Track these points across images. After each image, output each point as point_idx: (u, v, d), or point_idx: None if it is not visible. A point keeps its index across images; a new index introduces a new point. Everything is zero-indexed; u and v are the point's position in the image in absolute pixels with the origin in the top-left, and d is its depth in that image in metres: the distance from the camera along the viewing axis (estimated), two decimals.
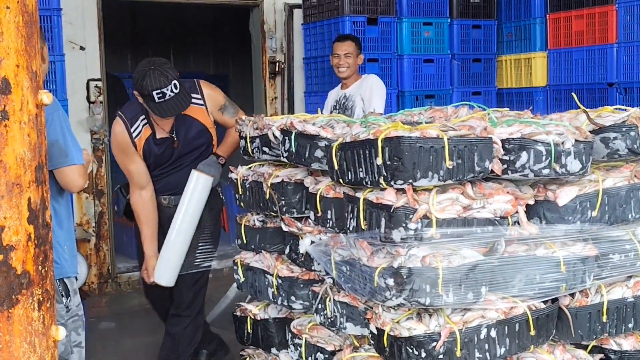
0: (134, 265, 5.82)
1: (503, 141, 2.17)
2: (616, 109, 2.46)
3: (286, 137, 2.59)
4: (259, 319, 2.79)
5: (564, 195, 2.21)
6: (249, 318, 2.83)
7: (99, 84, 5.32)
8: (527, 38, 5.78)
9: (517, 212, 2.19)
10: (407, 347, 2.04)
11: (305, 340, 2.52)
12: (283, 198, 2.62)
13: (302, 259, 2.57)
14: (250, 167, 2.88)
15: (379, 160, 2.08)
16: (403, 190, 2.08)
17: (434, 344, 2.02)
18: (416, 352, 2.03)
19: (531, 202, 2.23)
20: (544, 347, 2.27)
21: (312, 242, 2.48)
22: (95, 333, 4.41)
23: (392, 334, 2.08)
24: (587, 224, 2.25)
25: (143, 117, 3.19)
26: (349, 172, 2.23)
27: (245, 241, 2.86)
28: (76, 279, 2.70)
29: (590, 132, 2.29)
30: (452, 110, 2.74)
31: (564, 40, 5.51)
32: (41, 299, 1.27)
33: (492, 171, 2.16)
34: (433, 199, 2.06)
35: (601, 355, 2.35)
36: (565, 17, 5.47)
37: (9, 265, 1.22)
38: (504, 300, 2.12)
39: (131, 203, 3.27)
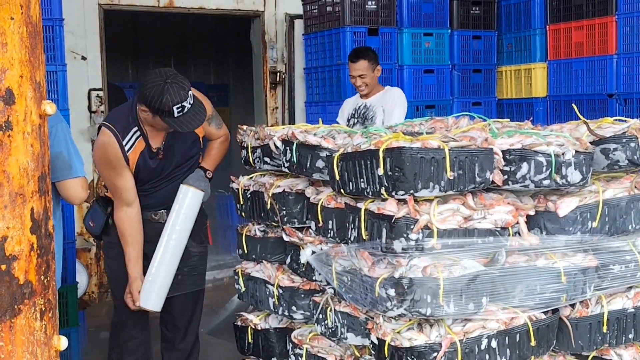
0: None
1: (504, 152, 2.18)
2: (616, 120, 2.47)
3: (287, 148, 2.60)
4: (259, 329, 2.79)
5: (565, 206, 2.22)
6: (249, 328, 2.82)
7: (100, 93, 5.34)
8: (527, 49, 5.80)
9: (517, 222, 2.19)
10: (408, 358, 2.04)
11: (306, 351, 2.51)
12: (284, 208, 2.63)
13: (303, 269, 2.57)
14: (251, 177, 2.88)
15: (381, 171, 2.09)
16: (404, 201, 2.08)
17: (435, 354, 2.02)
18: None
19: (532, 212, 2.24)
20: (545, 357, 2.27)
21: (313, 252, 2.48)
22: (94, 343, 4.40)
23: (393, 344, 2.08)
24: (588, 234, 2.26)
25: (135, 128, 2.91)
26: (350, 183, 2.24)
27: (246, 251, 2.86)
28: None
29: (590, 143, 2.30)
30: (452, 121, 2.75)
31: (564, 51, 5.53)
32: (43, 308, 1.27)
33: (493, 182, 2.16)
34: (434, 209, 2.06)
35: None
36: (565, 28, 5.49)
37: (12, 275, 1.22)
38: (505, 311, 2.12)
39: (116, 221, 2.96)
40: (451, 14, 5.74)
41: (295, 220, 2.62)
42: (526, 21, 5.80)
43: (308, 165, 2.49)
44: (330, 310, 2.38)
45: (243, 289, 2.86)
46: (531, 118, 3.61)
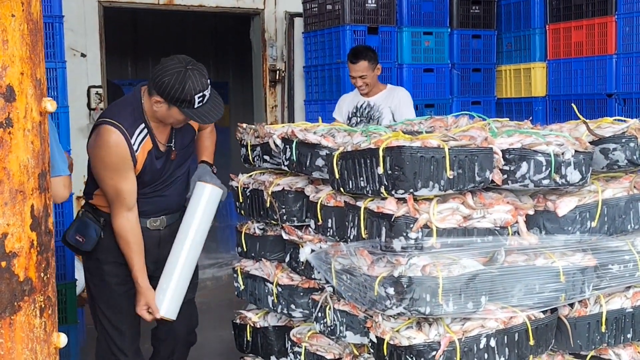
0: None
1: (503, 151, 2.18)
2: (615, 120, 2.48)
3: (287, 146, 2.60)
4: (258, 326, 2.79)
5: (564, 206, 2.22)
6: (248, 326, 2.82)
7: (100, 91, 5.34)
8: (527, 48, 5.81)
9: (517, 222, 2.19)
10: (407, 356, 2.04)
11: (305, 349, 2.51)
12: (283, 206, 2.63)
13: (302, 268, 2.57)
14: (250, 175, 2.88)
15: (380, 170, 2.09)
16: (404, 200, 2.08)
17: (434, 353, 2.02)
18: None
19: (531, 212, 2.24)
20: (543, 357, 2.27)
21: (313, 250, 2.48)
22: (93, 340, 4.39)
23: (391, 342, 2.08)
24: (587, 234, 2.26)
25: (142, 125, 2.62)
26: (350, 181, 2.24)
27: (245, 249, 2.86)
28: None
29: (590, 143, 2.30)
30: (452, 120, 2.76)
31: (564, 51, 5.53)
32: (43, 305, 1.27)
33: (492, 181, 2.17)
34: (434, 208, 2.06)
35: None
36: (564, 28, 5.49)
37: (12, 272, 1.22)
38: (504, 310, 2.13)
39: (117, 228, 2.62)
40: (451, 13, 5.74)
41: (295, 218, 2.62)
42: (526, 21, 5.80)
43: (308, 163, 2.50)
44: (329, 308, 2.38)
45: (242, 287, 2.86)
46: (530, 117, 3.61)
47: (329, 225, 2.41)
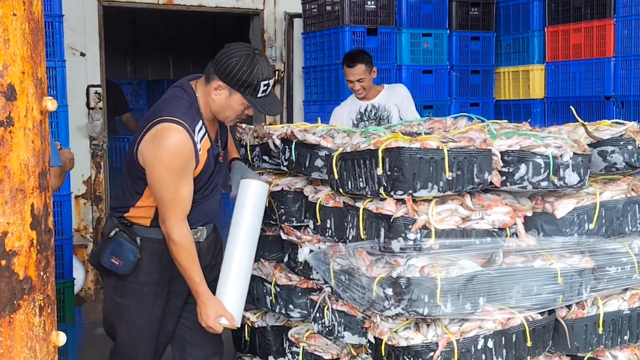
0: None
1: (502, 153, 2.19)
2: (614, 122, 2.49)
3: (286, 146, 2.60)
4: (256, 326, 2.79)
5: (562, 208, 2.23)
6: (246, 325, 2.83)
7: (99, 90, 5.34)
8: (525, 50, 5.81)
9: (515, 223, 2.20)
10: (405, 357, 2.05)
11: (303, 349, 2.52)
12: (282, 206, 2.63)
13: (301, 268, 2.57)
14: None
15: (379, 171, 2.09)
16: (403, 201, 2.09)
17: (432, 354, 2.03)
18: None
19: (529, 214, 2.25)
20: (541, 358, 2.28)
21: (311, 250, 2.49)
22: (90, 339, 4.39)
23: (389, 343, 2.09)
24: (585, 236, 2.27)
25: (201, 122, 2.39)
26: (349, 182, 2.25)
27: None
28: None
29: (588, 145, 2.31)
30: (451, 122, 2.76)
31: (562, 53, 5.54)
32: (42, 304, 1.28)
33: (491, 183, 2.17)
34: (432, 209, 2.07)
35: None
36: (563, 31, 5.50)
37: (12, 271, 1.22)
38: (502, 311, 2.13)
39: (177, 239, 2.34)
40: (450, 14, 5.75)
41: (294, 218, 2.62)
42: (524, 23, 5.81)
43: (307, 164, 2.50)
44: (328, 308, 2.39)
45: None
46: (529, 119, 3.61)
47: (328, 225, 2.42)
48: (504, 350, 2.13)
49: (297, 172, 2.60)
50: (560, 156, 2.17)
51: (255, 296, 2.78)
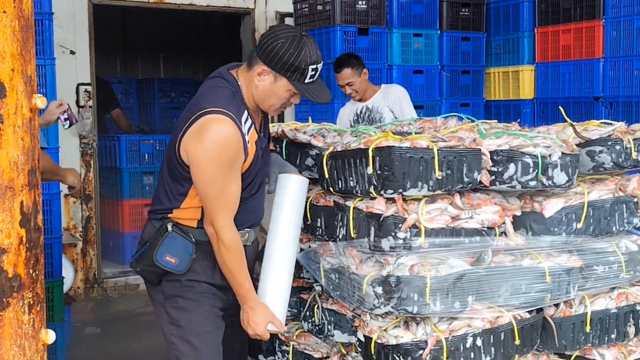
0: (120, 270, 5.80)
1: (492, 153, 2.20)
2: (602, 122, 2.51)
3: (277, 145, 2.61)
4: None
5: (550, 207, 2.25)
6: None
7: (89, 88, 5.32)
8: (515, 51, 5.85)
9: (504, 222, 2.21)
10: (394, 355, 2.06)
11: (293, 347, 2.52)
12: None
13: None
14: None
15: (370, 170, 2.10)
16: (393, 200, 2.10)
17: (421, 352, 2.04)
18: None
19: (518, 213, 2.26)
20: (529, 356, 2.30)
21: (301, 249, 2.49)
22: (80, 338, 4.39)
23: (379, 341, 2.10)
24: (573, 235, 2.29)
25: (246, 112, 2.21)
26: (340, 181, 2.25)
27: None
28: None
29: (576, 145, 2.33)
30: (441, 121, 2.77)
31: (552, 54, 5.58)
32: (32, 302, 1.28)
33: (480, 182, 2.19)
34: (422, 208, 2.08)
35: None
36: (553, 31, 5.54)
37: (1, 268, 1.22)
38: (490, 310, 2.15)
39: (227, 240, 2.16)
40: (441, 15, 5.77)
41: None
42: (515, 24, 5.84)
43: (297, 162, 2.50)
44: (318, 307, 2.39)
45: None
46: (518, 120, 3.63)
47: (318, 224, 2.42)
48: (493, 349, 2.14)
49: None
50: (549, 156, 2.18)
51: None
